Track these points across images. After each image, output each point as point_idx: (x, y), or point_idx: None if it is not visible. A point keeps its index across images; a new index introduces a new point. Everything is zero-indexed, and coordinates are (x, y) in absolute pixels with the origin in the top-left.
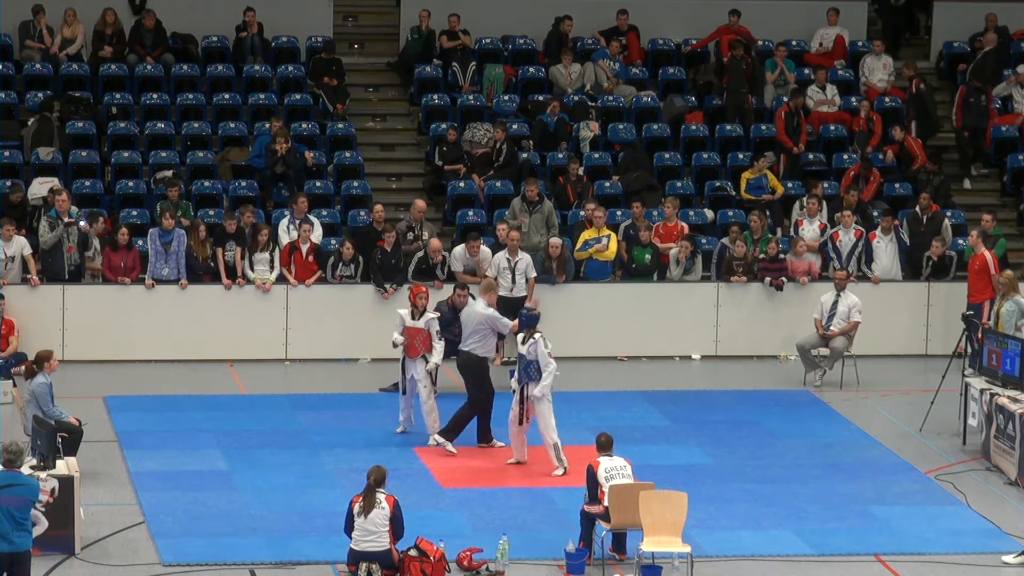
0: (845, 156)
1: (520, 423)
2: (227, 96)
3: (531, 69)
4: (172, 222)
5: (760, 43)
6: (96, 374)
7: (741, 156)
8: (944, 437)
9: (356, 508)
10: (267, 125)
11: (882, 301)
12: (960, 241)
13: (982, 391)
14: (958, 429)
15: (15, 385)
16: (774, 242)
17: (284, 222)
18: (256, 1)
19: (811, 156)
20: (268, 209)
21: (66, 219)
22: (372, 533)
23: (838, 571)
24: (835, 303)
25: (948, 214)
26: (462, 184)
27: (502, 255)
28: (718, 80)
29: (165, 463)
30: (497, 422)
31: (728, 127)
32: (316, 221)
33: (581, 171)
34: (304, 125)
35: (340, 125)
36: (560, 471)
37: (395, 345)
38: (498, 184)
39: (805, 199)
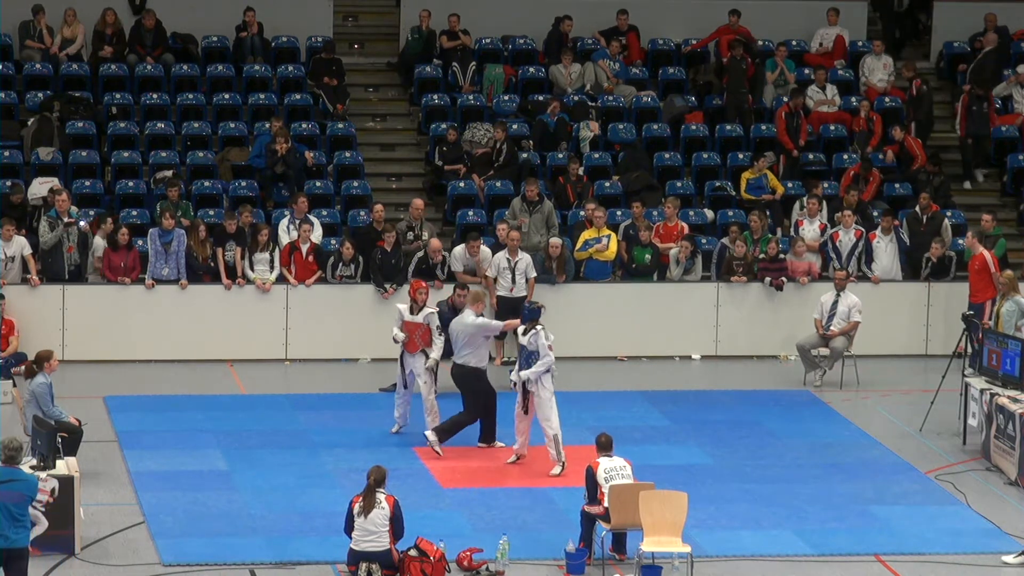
0: (845, 156)
1: (525, 412)
2: (227, 96)
3: (531, 69)
4: (172, 222)
5: (760, 43)
6: (96, 374)
7: (741, 156)
8: (944, 437)
9: (356, 508)
10: (267, 125)
11: (882, 301)
12: (960, 241)
13: (982, 391)
14: (958, 429)
15: (15, 385)
16: (774, 242)
17: (284, 222)
18: (256, 1)
19: (811, 156)
20: (268, 209)
21: (66, 219)
22: (372, 533)
23: (838, 571)
24: (835, 303)
25: (948, 214)
26: (462, 184)
27: (502, 255)
28: (718, 80)
29: (165, 463)
30: (503, 422)
31: (728, 127)
32: (316, 221)
33: (581, 171)
34: (304, 125)
35: (340, 125)
36: (558, 469)
37: (396, 341)
38: (498, 184)
39: (805, 199)
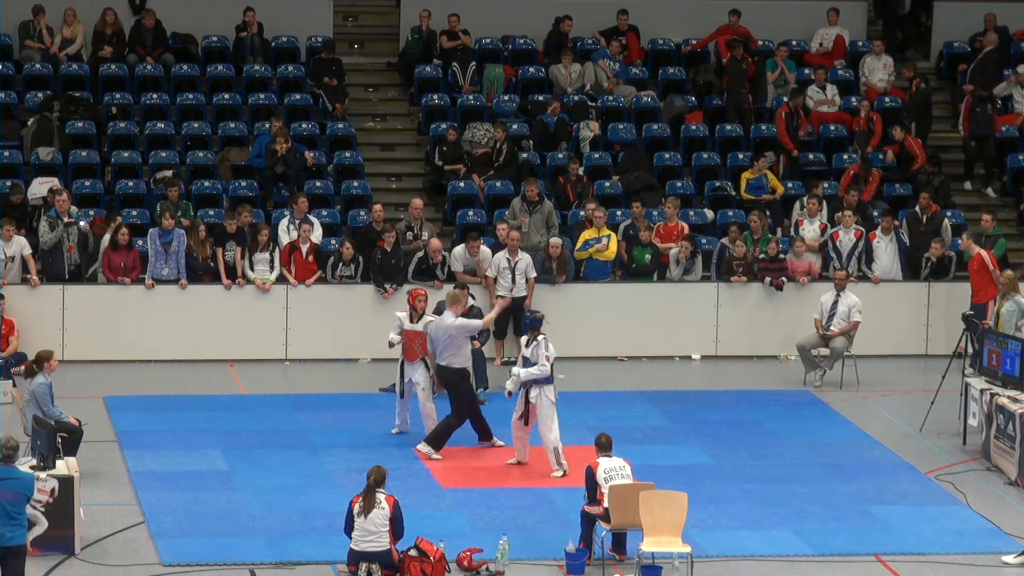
0: (845, 156)
1: (525, 424)
2: (227, 96)
3: (531, 69)
4: (172, 222)
5: (760, 43)
6: (96, 374)
7: (741, 156)
8: (944, 437)
9: (356, 508)
10: (267, 125)
11: (882, 301)
12: (958, 241)
13: (982, 391)
14: (958, 429)
15: (15, 385)
16: (774, 242)
17: (284, 222)
18: (256, 1)
19: (811, 156)
20: (268, 209)
21: (66, 219)
22: (372, 533)
23: (838, 571)
24: (835, 303)
25: (948, 214)
26: (462, 184)
27: (502, 255)
28: (718, 80)
29: (165, 463)
30: (500, 423)
31: (728, 127)
32: (316, 221)
33: (581, 171)
34: (304, 125)
35: (340, 125)
36: (559, 473)
37: (391, 345)
38: (498, 184)
39: (805, 199)
